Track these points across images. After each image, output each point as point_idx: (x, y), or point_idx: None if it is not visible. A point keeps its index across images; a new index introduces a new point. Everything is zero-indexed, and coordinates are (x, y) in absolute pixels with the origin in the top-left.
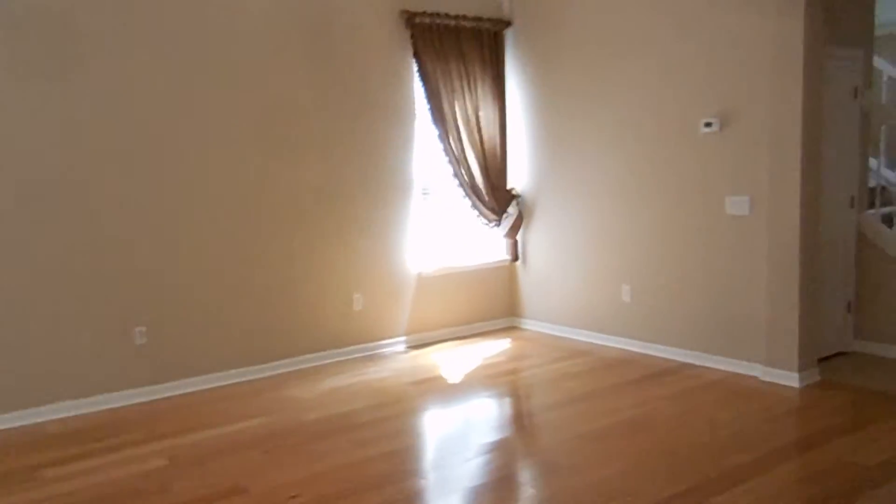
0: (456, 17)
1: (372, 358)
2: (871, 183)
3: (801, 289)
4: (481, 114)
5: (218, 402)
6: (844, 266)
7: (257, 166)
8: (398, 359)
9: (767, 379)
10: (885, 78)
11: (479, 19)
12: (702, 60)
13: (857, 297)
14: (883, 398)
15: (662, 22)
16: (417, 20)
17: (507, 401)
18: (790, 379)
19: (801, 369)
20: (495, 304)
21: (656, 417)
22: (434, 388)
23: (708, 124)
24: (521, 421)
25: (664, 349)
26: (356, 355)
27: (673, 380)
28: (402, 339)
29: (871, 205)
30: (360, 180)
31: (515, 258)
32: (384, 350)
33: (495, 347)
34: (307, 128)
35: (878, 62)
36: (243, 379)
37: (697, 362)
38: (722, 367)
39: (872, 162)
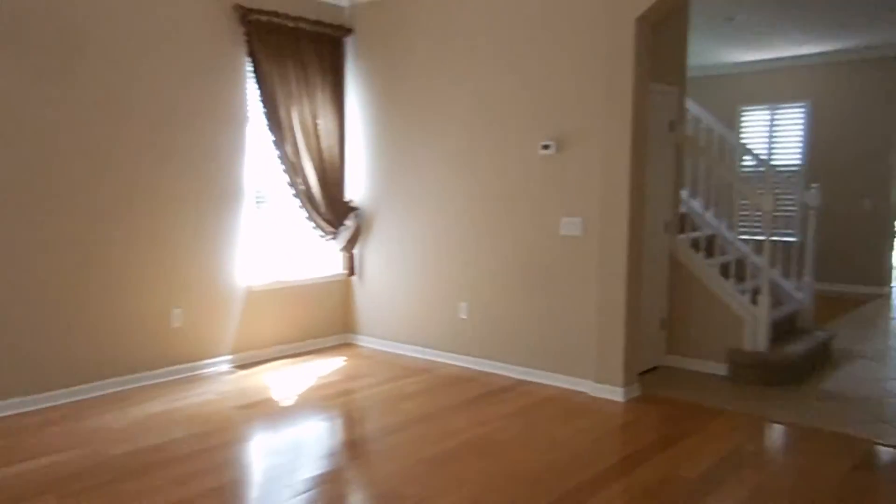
0: (295, 19)
1: (192, 380)
2: (681, 210)
3: (627, 307)
4: (320, 122)
5: (1, 438)
6: (658, 286)
7: (58, 167)
8: (222, 380)
9: (596, 394)
10: (689, 116)
11: (319, 23)
12: (542, 85)
13: (669, 314)
14: (695, 410)
15: (504, 46)
16: (253, 17)
17: (342, 424)
18: (615, 394)
19: (625, 384)
20: (330, 320)
21: (497, 438)
22: (262, 412)
23: (546, 146)
24: (357, 447)
25: (501, 366)
26: (174, 377)
27: (510, 397)
28: (228, 358)
29: (681, 230)
30: (181, 185)
31: (352, 272)
32: (207, 371)
33: (329, 366)
34: (121, 127)
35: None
36: (34, 408)
37: (533, 379)
38: (555, 384)
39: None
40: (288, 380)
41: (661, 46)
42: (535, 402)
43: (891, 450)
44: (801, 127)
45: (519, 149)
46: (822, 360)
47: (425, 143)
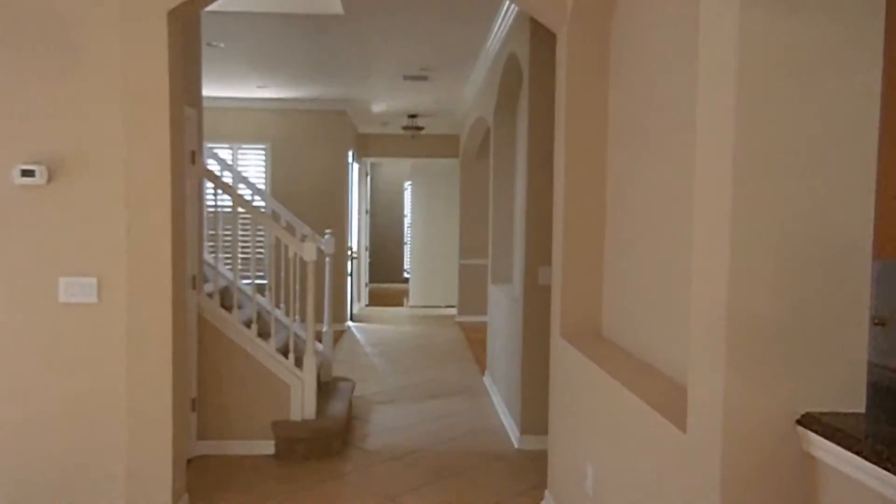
0: None
1: None
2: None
3: (174, 396)
4: None
5: None
6: (189, 358)
7: None
8: None
9: None
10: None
11: None
12: (28, 87)
13: (200, 391)
14: None
15: None
16: None
17: None
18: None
19: (175, 500)
20: None
21: None
22: None
23: (28, 173)
24: None
25: None
26: None
27: None
28: None
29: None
30: None
31: None
32: None
33: None
34: None
35: None
36: None
37: None
38: None
39: None
40: None
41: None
42: None
43: None
44: (263, 167)
45: None
46: (352, 414)
47: None
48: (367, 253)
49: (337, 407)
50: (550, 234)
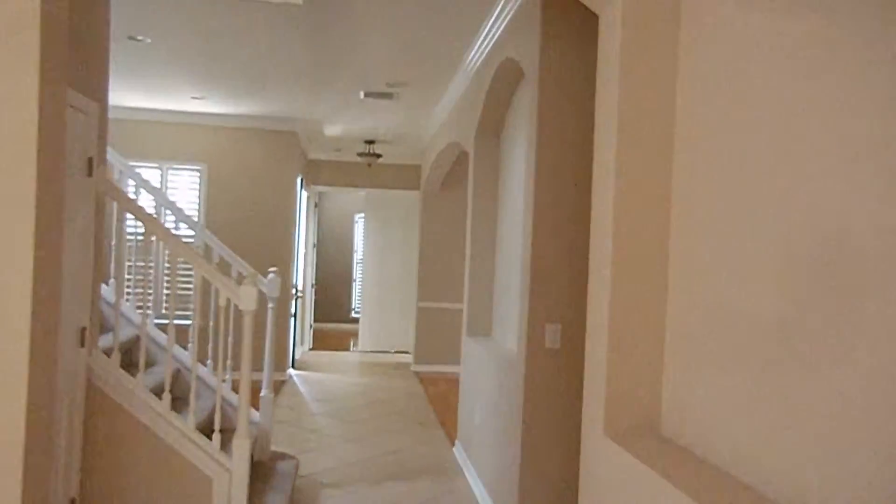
0: None
1: None
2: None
3: None
4: None
5: None
6: (67, 441)
7: None
8: None
9: None
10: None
11: None
12: None
13: (83, 487)
14: None
15: None
16: None
17: None
18: None
19: None
20: None
21: None
22: None
23: None
24: None
25: None
26: None
27: None
28: None
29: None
30: None
31: None
32: None
33: None
34: None
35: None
36: None
37: None
38: None
39: None
40: None
41: (74, 28)
42: None
43: None
44: (197, 190)
45: None
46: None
47: None
48: (313, 291)
49: (275, 501)
50: (562, 284)
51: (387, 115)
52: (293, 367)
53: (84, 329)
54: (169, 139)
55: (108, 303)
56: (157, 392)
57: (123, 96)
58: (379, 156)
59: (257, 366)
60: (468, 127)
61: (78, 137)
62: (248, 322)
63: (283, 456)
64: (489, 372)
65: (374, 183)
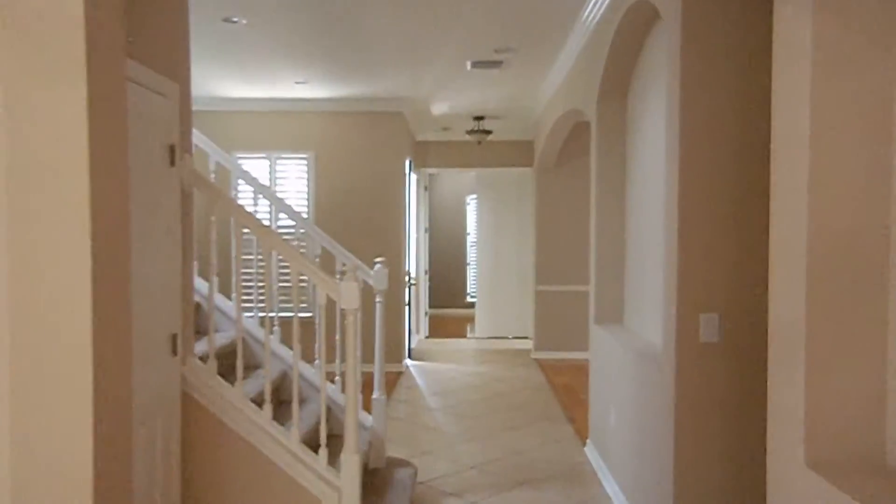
0: None
1: None
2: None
3: None
4: None
5: None
6: (162, 458)
7: None
8: None
9: None
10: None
11: None
12: None
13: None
14: None
15: None
16: None
17: None
18: None
19: None
20: None
21: None
22: None
23: None
24: None
25: None
26: None
27: None
28: None
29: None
30: None
31: None
32: None
33: None
34: None
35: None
36: None
37: None
38: None
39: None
40: None
41: (147, 7)
42: None
43: None
44: (305, 179)
45: None
46: None
47: None
48: (427, 277)
49: None
50: (719, 266)
51: (495, 87)
52: (409, 357)
53: (175, 335)
54: (276, 128)
55: (201, 296)
56: (257, 401)
57: (224, 86)
58: (489, 132)
59: (369, 357)
60: (588, 90)
61: (156, 122)
62: (351, 322)
63: (400, 462)
64: (625, 367)
65: (484, 162)
